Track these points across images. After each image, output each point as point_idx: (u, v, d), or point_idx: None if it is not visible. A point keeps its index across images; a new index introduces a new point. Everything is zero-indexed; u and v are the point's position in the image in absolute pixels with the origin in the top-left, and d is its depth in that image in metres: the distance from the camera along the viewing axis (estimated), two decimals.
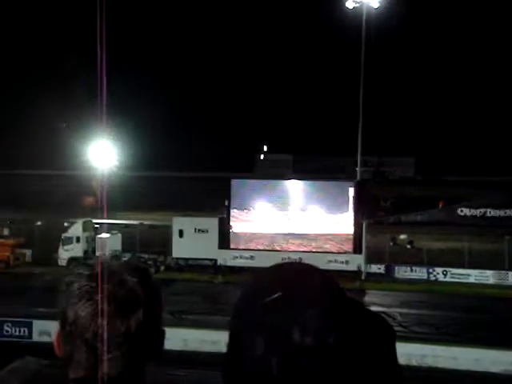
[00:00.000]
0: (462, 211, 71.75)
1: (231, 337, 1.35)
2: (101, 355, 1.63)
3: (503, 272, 46.61)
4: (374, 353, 1.20)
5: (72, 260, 47.92)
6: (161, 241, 50.20)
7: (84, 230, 49.08)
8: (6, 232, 52.86)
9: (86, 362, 1.64)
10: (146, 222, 56.68)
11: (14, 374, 2.15)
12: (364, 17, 55.49)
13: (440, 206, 74.88)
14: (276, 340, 1.21)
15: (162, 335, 1.75)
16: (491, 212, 70.93)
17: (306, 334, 1.19)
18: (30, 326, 33.74)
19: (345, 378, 1.17)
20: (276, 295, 1.25)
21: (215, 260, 47.67)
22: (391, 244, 53.38)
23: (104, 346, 1.63)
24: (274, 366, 1.19)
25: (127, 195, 69.88)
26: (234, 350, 1.31)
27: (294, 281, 1.29)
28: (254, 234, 48.29)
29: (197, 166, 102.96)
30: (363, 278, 46.15)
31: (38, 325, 33.59)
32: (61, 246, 48.53)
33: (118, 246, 48.66)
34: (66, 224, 52.45)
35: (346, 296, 1.31)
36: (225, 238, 48.25)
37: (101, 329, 1.63)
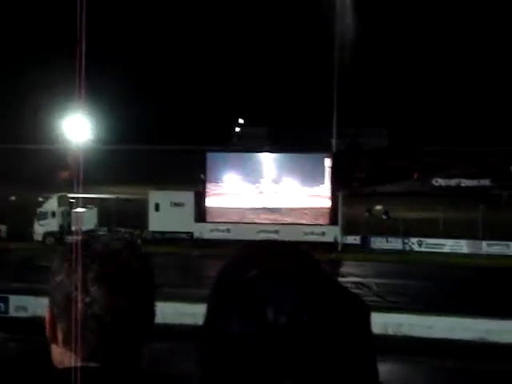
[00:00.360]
0: (436, 181, 72.31)
1: (208, 313, 1.36)
2: (113, 335, 1.60)
3: (477, 241, 47.09)
4: (348, 330, 1.22)
5: (47, 235, 47.77)
6: (137, 215, 50.08)
7: (59, 204, 48.82)
8: None
9: (98, 341, 1.60)
10: (121, 196, 56.47)
11: None
12: None
13: (415, 176, 75.32)
14: (250, 319, 1.22)
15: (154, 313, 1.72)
16: (465, 182, 71.51)
17: (279, 313, 1.20)
18: (6, 302, 33.62)
19: (319, 356, 1.18)
20: (251, 274, 1.26)
21: (192, 233, 47.72)
22: (367, 215, 53.67)
23: (120, 326, 1.60)
24: (248, 346, 1.20)
25: (102, 169, 69.56)
26: (210, 327, 1.31)
27: (269, 259, 1.30)
28: (229, 208, 48.31)
29: (172, 139, 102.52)
30: (339, 249, 46.45)
31: (15, 300, 33.49)
32: (36, 221, 48.27)
33: (94, 221, 48.51)
34: (40, 199, 52.09)
35: (321, 273, 1.31)
36: (201, 211, 48.26)
37: (118, 309, 1.59)
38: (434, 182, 72.22)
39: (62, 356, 1.65)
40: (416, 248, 47.28)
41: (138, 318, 1.63)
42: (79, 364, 1.60)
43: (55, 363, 1.68)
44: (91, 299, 1.59)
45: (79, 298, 1.59)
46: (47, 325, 1.67)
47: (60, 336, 1.65)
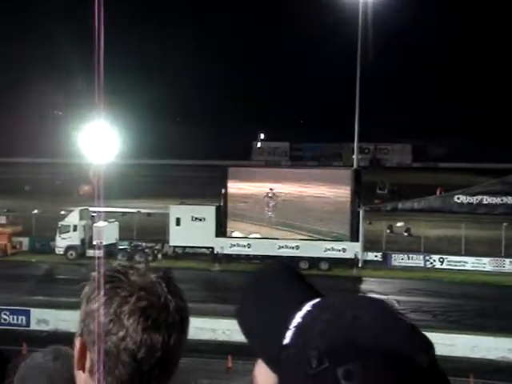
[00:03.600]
0: (458, 198, 71.77)
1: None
2: (143, 371, 1.57)
3: (500, 259, 46.71)
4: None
5: (69, 248, 47.99)
6: (158, 229, 50.21)
7: (81, 218, 49.04)
8: (2, 220, 52.81)
9: (127, 376, 1.57)
10: (143, 211, 56.65)
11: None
12: (361, 4, 55.35)
13: (437, 193, 74.92)
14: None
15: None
16: (488, 199, 70.96)
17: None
18: (27, 315, 33.79)
19: None
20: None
21: (212, 248, 47.72)
22: (388, 232, 53.44)
23: (152, 362, 1.57)
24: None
25: (124, 183, 69.82)
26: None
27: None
28: (249, 223, 48.28)
29: (194, 154, 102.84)
30: (360, 265, 46.23)
31: (36, 313, 33.65)
32: (58, 235, 48.50)
33: (116, 235, 48.68)
34: (62, 212, 52.40)
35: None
36: (222, 226, 48.26)
37: (152, 345, 1.57)
38: (455, 198, 71.73)
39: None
40: (438, 265, 46.94)
41: (171, 354, 1.60)
42: None
43: None
44: (125, 333, 1.56)
45: (114, 330, 1.57)
46: (77, 352, 1.64)
47: (88, 364, 1.62)
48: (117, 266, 1.66)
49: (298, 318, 1.22)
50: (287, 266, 1.42)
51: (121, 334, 1.56)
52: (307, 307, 1.23)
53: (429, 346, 1.20)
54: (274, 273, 1.40)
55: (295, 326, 1.21)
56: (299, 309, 1.23)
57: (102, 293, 1.60)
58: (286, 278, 1.37)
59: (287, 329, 1.22)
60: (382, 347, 1.13)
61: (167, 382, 1.63)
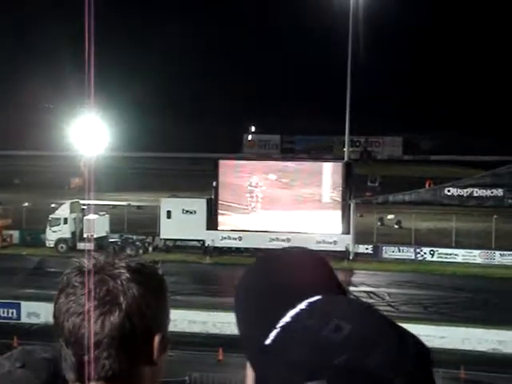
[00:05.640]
0: (449, 191, 71.98)
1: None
2: (80, 355, 1.60)
3: (490, 251, 46.87)
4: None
5: (60, 241, 47.90)
6: (149, 222, 50.18)
7: (71, 211, 48.94)
8: None
9: (71, 362, 1.62)
10: (133, 203, 56.59)
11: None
12: None
13: (427, 185, 75.09)
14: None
15: (153, 339, 1.66)
16: (478, 192, 71.19)
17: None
18: (18, 308, 33.72)
19: None
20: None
21: (203, 241, 47.71)
22: (379, 224, 53.54)
23: (80, 346, 1.60)
24: None
25: (115, 176, 69.71)
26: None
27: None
28: (240, 216, 48.30)
29: (184, 146, 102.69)
30: (351, 258, 46.32)
31: (27, 306, 33.59)
32: (48, 228, 48.39)
33: (106, 227, 48.60)
34: (53, 205, 52.28)
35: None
36: (212, 219, 48.24)
37: (75, 328, 1.60)
38: (446, 191, 71.93)
39: None
40: (428, 258, 47.07)
41: (123, 342, 1.61)
42: None
43: None
44: (59, 319, 1.63)
45: (56, 314, 1.64)
46: None
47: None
48: (91, 244, 1.71)
49: (287, 317, 1.19)
50: (310, 252, 1.38)
51: (58, 319, 1.63)
52: (302, 305, 1.20)
53: (418, 363, 1.13)
54: (288, 258, 1.36)
55: (281, 327, 1.19)
56: (294, 306, 1.20)
57: (68, 285, 1.67)
58: (301, 265, 1.33)
59: (274, 327, 1.19)
60: (354, 366, 1.08)
61: (128, 370, 1.63)
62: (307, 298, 1.22)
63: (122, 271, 1.65)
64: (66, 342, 1.62)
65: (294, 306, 1.20)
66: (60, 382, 2.06)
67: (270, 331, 1.19)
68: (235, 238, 47.51)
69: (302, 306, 1.20)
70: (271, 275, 1.32)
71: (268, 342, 1.18)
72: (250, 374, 1.24)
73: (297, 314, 1.19)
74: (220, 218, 48.35)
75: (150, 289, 1.66)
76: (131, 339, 1.62)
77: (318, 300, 1.22)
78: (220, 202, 48.33)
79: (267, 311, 1.24)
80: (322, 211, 47.46)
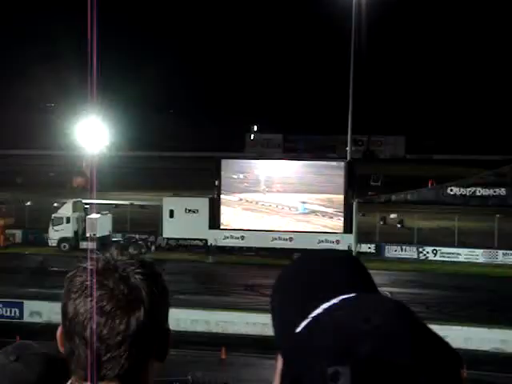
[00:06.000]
0: (451, 190, 71.93)
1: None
2: (99, 354, 1.59)
3: (493, 251, 46.82)
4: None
5: (62, 240, 47.92)
6: (151, 221, 50.17)
7: (74, 210, 48.95)
8: None
9: (86, 360, 1.60)
10: (136, 203, 56.58)
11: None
12: None
13: (430, 185, 75.04)
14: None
15: (167, 335, 1.69)
16: (481, 191, 71.13)
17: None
18: (20, 307, 33.74)
19: None
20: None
21: (206, 240, 47.70)
22: (381, 223, 53.50)
23: (103, 345, 1.59)
24: None
25: (117, 175, 69.74)
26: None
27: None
28: (243, 215, 48.29)
29: (187, 145, 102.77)
30: None
31: (29, 305, 33.61)
32: (51, 227, 48.42)
33: (109, 227, 48.62)
34: (55, 204, 52.30)
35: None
36: (215, 218, 48.22)
37: (99, 327, 1.59)
38: (449, 190, 71.89)
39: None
40: (431, 257, 47.04)
41: (131, 337, 1.61)
42: None
43: None
44: (79, 318, 1.61)
45: (70, 315, 1.62)
46: (58, 339, 1.68)
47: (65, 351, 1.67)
48: (95, 256, 1.69)
49: (320, 309, 1.22)
50: (348, 256, 1.43)
51: (77, 319, 1.60)
52: (334, 300, 1.23)
53: (445, 364, 1.13)
54: (326, 258, 1.40)
55: (312, 317, 1.22)
56: (328, 300, 1.23)
57: (75, 284, 1.65)
58: (337, 265, 1.37)
59: (306, 318, 1.22)
60: (379, 357, 1.09)
61: (137, 366, 1.63)
62: (342, 295, 1.25)
63: (137, 270, 1.65)
64: (85, 341, 1.60)
65: (328, 301, 1.24)
66: (54, 378, 2.06)
67: (301, 321, 1.23)
68: (238, 238, 47.50)
69: (336, 300, 1.23)
70: (308, 273, 1.36)
71: (298, 330, 1.22)
72: (279, 366, 1.25)
73: (329, 307, 1.22)
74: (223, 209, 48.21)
75: (160, 286, 1.68)
76: (150, 337, 1.63)
77: (351, 296, 1.25)
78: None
79: (303, 305, 1.27)
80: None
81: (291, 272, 1.39)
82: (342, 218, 47.18)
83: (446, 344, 1.18)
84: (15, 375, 2.08)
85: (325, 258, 1.41)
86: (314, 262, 1.39)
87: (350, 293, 1.25)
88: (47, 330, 25.40)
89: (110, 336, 1.59)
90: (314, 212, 47.66)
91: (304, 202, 47.69)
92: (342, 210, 47.27)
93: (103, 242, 45.10)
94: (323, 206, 47.64)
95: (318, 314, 1.21)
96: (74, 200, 49.94)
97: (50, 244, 48.02)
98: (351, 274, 1.35)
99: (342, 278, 1.32)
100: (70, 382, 1.66)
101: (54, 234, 48.12)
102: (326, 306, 1.23)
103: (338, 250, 1.46)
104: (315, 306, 1.23)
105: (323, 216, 47.63)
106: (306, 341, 1.16)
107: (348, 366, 1.08)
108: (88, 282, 1.62)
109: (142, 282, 1.64)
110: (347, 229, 46.98)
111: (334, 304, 1.22)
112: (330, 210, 47.51)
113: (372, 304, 1.19)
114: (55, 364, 2.09)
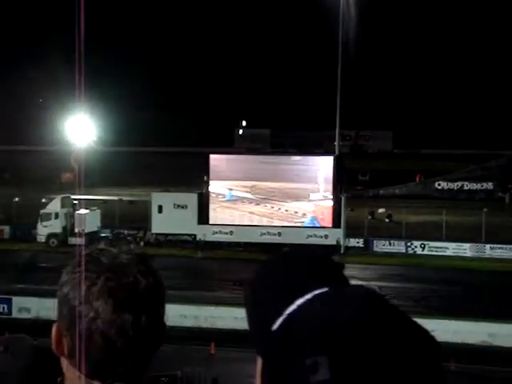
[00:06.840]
0: (439, 185, 72.23)
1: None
2: (107, 353, 1.58)
3: (480, 244, 47.04)
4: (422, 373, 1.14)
5: (51, 236, 47.81)
6: (140, 216, 50.12)
7: (62, 206, 48.85)
8: None
9: (103, 357, 1.58)
10: (124, 198, 56.51)
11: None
12: None
13: (418, 179, 75.30)
14: None
15: (163, 330, 1.69)
16: (468, 185, 71.45)
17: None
18: (9, 303, 33.64)
19: None
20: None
21: (194, 235, 47.71)
22: (369, 218, 53.65)
23: (125, 342, 1.57)
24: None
25: (106, 171, 69.59)
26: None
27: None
28: (231, 210, 48.34)
29: (175, 141, 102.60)
30: (342, 251, 46.40)
31: (18, 301, 33.52)
32: (39, 223, 48.31)
33: (97, 222, 48.54)
34: (44, 200, 52.17)
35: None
36: (204, 213, 48.23)
37: (105, 325, 1.56)
38: (436, 185, 72.17)
39: (67, 369, 1.65)
40: (419, 251, 47.22)
41: (144, 334, 1.60)
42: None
43: (64, 372, 1.68)
44: (95, 314, 1.57)
45: (84, 313, 1.58)
46: (54, 338, 1.65)
47: (66, 350, 1.63)
48: (91, 250, 1.67)
49: (294, 305, 1.23)
50: (319, 253, 1.43)
51: (91, 315, 1.57)
52: (308, 296, 1.24)
53: (424, 351, 1.15)
54: (297, 256, 1.41)
55: (288, 313, 1.23)
56: (302, 296, 1.24)
57: (71, 277, 1.61)
58: (309, 263, 1.37)
59: (281, 315, 1.23)
60: (356, 344, 1.10)
61: (145, 363, 1.64)
62: (315, 291, 1.26)
63: (143, 266, 1.65)
64: (91, 340, 1.58)
65: (302, 297, 1.25)
66: (43, 370, 2.08)
67: (277, 318, 1.23)
68: (226, 233, 47.54)
69: (309, 295, 1.25)
70: (282, 271, 1.36)
71: (274, 327, 1.23)
72: (258, 366, 1.26)
73: (303, 302, 1.23)
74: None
75: (159, 281, 1.68)
76: (154, 333, 1.63)
77: (324, 291, 1.26)
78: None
79: (277, 303, 1.27)
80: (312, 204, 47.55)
81: (263, 272, 1.38)
82: (331, 213, 47.27)
83: (422, 329, 1.20)
84: (2, 365, 2.10)
85: (296, 256, 1.41)
86: (285, 261, 1.39)
87: (323, 288, 1.26)
88: (36, 325, 25.35)
89: (118, 334, 1.57)
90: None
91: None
92: (330, 204, 47.38)
93: (92, 238, 45.05)
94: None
95: (293, 310, 1.22)
96: (63, 196, 49.84)
97: (38, 240, 47.92)
98: (323, 270, 1.35)
99: (314, 275, 1.33)
100: (79, 377, 1.62)
101: (43, 230, 48.02)
102: (300, 301, 1.23)
103: (309, 249, 1.47)
104: (289, 303, 1.24)
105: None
106: (284, 337, 1.18)
107: (326, 356, 1.10)
108: (102, 278, 1.59)
109: (155, 278, 1.64)
110: (335, 223, 47.09)
111: (308, 299, 1.23)
112: (319, 205, 47.59)
113: (344, 295, 1.22)
114: (45, 357, 2.10)
